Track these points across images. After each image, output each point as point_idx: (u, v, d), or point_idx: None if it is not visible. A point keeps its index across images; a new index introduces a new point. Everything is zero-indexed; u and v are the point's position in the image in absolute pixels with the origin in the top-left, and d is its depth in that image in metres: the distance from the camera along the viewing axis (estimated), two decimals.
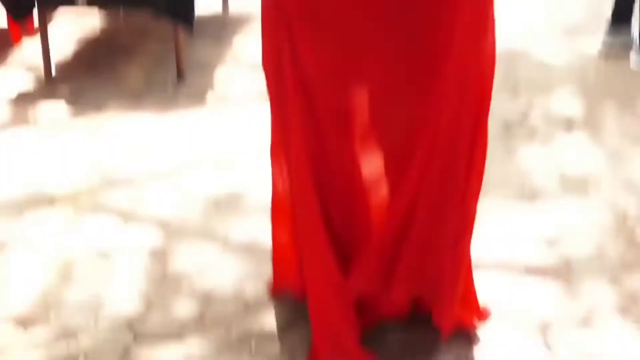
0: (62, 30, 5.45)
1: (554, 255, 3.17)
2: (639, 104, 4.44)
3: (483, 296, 2.83)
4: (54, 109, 4.41)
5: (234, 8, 5.92)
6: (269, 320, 2.82)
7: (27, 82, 4.79)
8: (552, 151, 3.97)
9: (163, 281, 3.05)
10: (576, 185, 3.66)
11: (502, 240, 3.25)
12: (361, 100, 2.51)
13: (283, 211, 2.75)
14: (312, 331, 2.62)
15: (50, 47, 4.81)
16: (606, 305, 2.89)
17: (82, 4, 4.88)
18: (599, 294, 2.95)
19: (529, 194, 3.58)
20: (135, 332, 2.78)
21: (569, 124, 4.21)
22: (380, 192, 2.62)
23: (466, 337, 2.72)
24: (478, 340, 2.72)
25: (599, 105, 4.42)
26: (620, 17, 5.11)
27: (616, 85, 4.67)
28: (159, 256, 3.19)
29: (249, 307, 2.89)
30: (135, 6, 4.88)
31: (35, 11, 4.81)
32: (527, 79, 4.74)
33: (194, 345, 2.72)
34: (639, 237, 3.29)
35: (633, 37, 5.05)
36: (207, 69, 4.84)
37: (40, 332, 2.77)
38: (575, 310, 2.87)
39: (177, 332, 2.77)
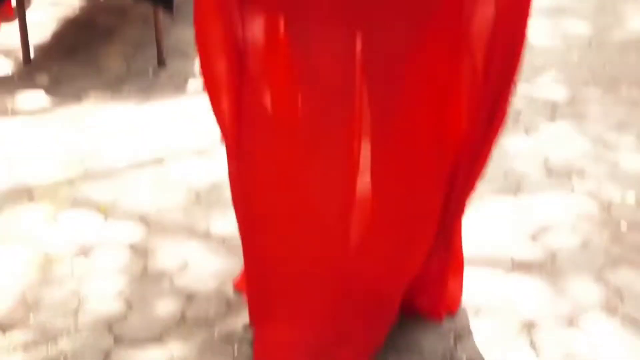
0: (40, 12, 5.36)
1: (538, 249, 3.15)
2: (624, 88, 4.42)
3: (467, 293, 2.82)
4: (33, 98, 4.34)
5: None
6: None
7: (4, 68, 4.71)
8: (536, 140, 3.94)
9: (144, 279, 3.01)
10: (561, 175, 3.64)
11: (486, 234, 3.22)
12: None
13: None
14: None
15: (28, 30, 4.73)
16: (591, 302, 2.88)
17: None
18: (585, 291, 2.93)
19: (513, 187, 3.56)
20: (116, 333, 2.74)
21: (553, 111, 4.18)
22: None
23: (452, 332, 2.71)
24: (463, 336, 2.70)
25: (583, 90, 4.39)
26: None
27: (600, 68, 4.64)
28: (140, 252, 3.15)
29: (231, 306, 2.86)
30: None
31: None
32: None
33: (176, 347, 2.69)
34: (624, 229, 3.27)
35: None
36: (187, 54, 4.77)
37: (20, 335, 2.73)
38: (560, 308, 2.85)
39: (158, 334, 2.74)
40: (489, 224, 3.29)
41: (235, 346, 2.68)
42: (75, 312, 2.84)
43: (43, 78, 4.55)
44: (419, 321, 2.74)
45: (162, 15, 4.66)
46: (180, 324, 2.78)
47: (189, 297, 2.91)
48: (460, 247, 2.77)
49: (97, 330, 2.76)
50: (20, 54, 4.76)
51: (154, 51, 4.69)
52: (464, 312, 2.80)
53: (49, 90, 4.40)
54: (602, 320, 2.79)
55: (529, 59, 4.65)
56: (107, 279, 3.00)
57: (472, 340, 2.70)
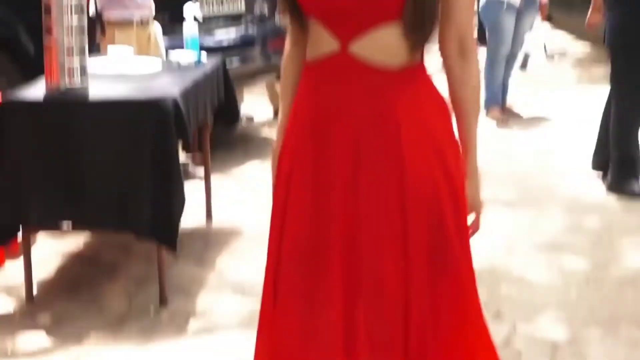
0: (45, 247, 5.45)
1: None
2: (624, 328, 4.43)
3: None
4: (33, 338, 4.35)
5: (217, 219, 5.96)
6: None
7: (6, 307, 4.74)
8: None
9: None
10: None
11: None
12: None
13: None
14: None
15: (32, 267, 4.79)
16: None
17: (67, 229, 4.93)
18: None
19: None
20: None
21: (553, 352, 4.18)
22: None
23: None
24: None
25: (583, 330, 4.40)
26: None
27: (599, 306, 4.67)
28: None
29: None
30: (119, 229, 4.87)
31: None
32: (510, 299, 4.73)
33: None
34: None
35: None
36: (190, 293, 4.82)
37: None
38: None
39: None
40: None
41: None
42: None
43: (45, 317, 4.56)
44: None
45: (165, 252, 4.74)
46: None
47: None
48: None
49: None
50: (23, 292, 4.80)
51: (156, 288, 4.73)
52: None
53: (50, 330, 4.41)
54: None
55: (529, 296, 4.74)
56: None
57: None
